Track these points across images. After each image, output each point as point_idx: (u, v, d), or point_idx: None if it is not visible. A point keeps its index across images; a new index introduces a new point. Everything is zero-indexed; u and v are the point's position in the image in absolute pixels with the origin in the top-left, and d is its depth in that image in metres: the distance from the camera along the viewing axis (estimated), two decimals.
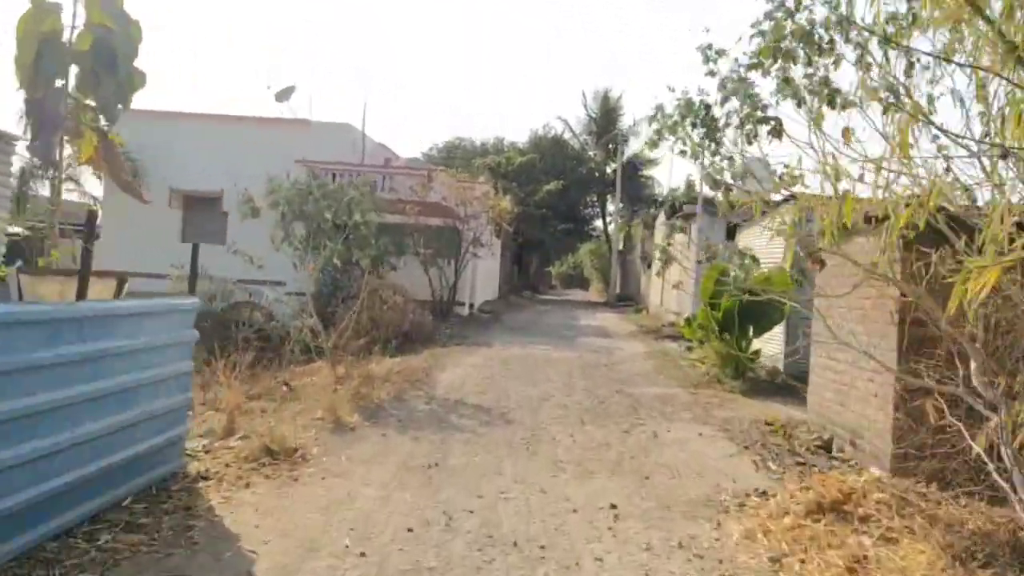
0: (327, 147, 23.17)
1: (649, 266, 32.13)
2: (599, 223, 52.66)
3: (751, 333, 12.67)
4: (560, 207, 42.55)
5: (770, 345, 13.34)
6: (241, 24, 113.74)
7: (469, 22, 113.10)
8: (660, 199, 46.55)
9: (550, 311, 31.28)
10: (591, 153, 49.33)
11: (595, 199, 49.06)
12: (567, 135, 49.12)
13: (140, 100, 5.41)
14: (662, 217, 28.79)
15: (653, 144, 6.23)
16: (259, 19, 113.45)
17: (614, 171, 50.02)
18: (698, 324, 13.04)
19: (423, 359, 13.78)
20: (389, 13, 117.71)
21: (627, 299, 37.80)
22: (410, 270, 21.93)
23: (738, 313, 12.31)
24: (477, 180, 25.91)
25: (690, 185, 38.43)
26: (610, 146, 47.00)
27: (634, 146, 46.99)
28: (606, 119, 48.92)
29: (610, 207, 52.55)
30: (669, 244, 25.67)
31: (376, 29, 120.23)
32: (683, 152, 6.02)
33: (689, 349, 15.97)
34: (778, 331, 13.00)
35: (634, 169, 46.44)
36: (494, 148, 45.92)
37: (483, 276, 27.22)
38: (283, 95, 8.93)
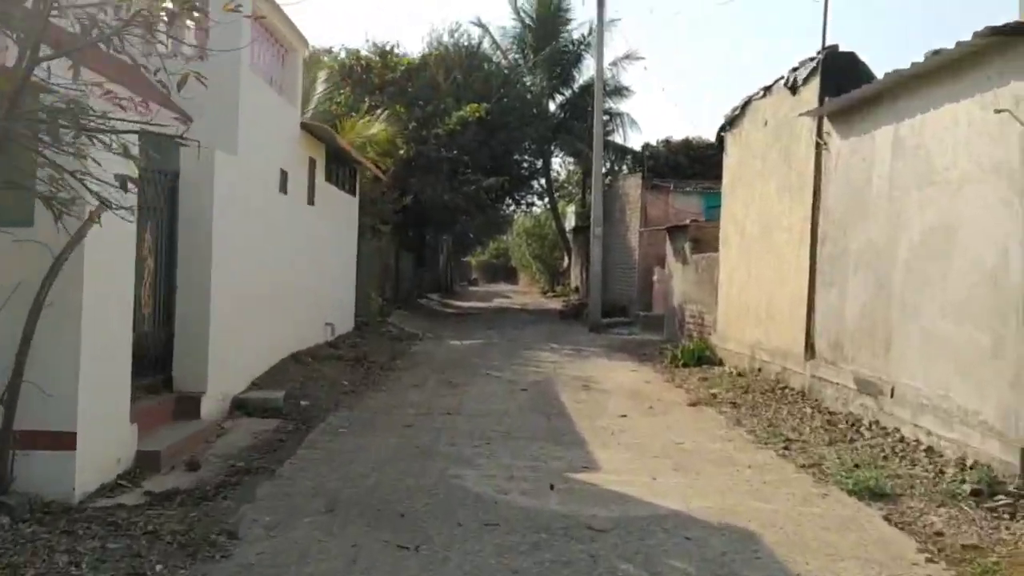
0: None
1: (692, 248, 14.44)
2: (537, 194, 34.50)
3: None
4: (482, 154, 24.11)
5: None
6: None
7: None
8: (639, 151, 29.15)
9: (486, 370, 13.10)
10: (526, 80, 31.37)
11: (532, 144, 29.98)
12: (487, 47, 31.02)
13: None
14: (804, 94, 10.90)
15: None
16: None
17: (560, 106, 32.30)
18: None
19: None
20: None
21: (615, 312, 20.11)
22: None
23: None
24: None
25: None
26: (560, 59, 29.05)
27: (590, 68, 29.02)
28: (546, 29, 31.05)
29: (556, 164, 34.80)
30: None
31: None
32: None
33: None
34: None
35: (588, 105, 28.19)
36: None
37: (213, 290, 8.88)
38: None
